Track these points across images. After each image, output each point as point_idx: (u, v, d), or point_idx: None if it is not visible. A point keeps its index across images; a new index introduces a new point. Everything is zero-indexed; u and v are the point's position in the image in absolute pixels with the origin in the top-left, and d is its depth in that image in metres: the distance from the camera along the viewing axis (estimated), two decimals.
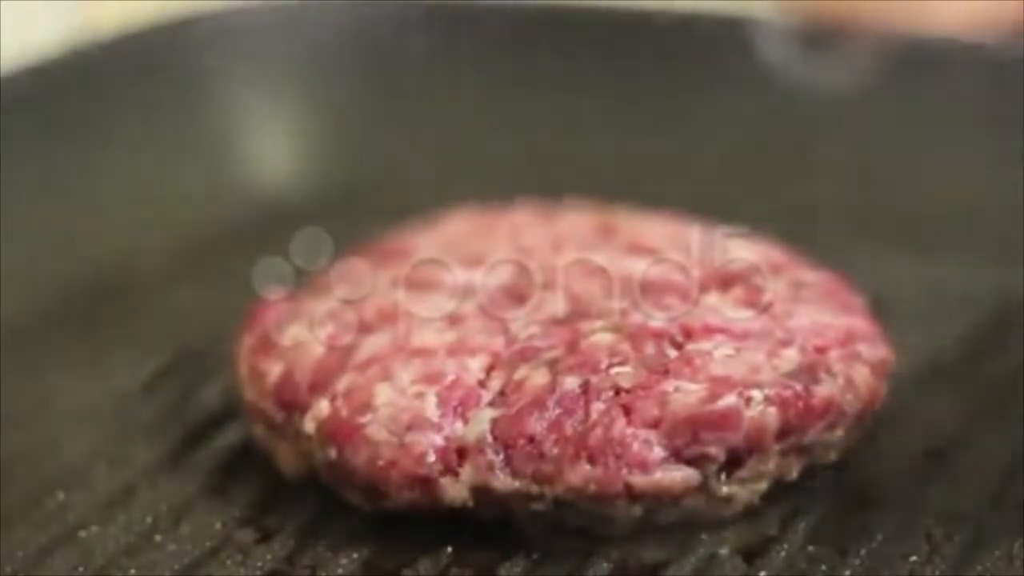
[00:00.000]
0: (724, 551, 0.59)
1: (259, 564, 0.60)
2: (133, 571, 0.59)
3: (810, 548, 0.59)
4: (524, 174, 0.83)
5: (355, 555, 0.60)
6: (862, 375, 0.61)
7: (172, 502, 0.63)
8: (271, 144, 0.90)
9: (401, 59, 0.92)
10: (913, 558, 0.58)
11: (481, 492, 0.58)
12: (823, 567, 0.58)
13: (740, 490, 0.59)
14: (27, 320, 0.75)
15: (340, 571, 0.59)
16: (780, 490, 0.61)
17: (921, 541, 0.59)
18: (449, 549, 0.60)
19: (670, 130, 0.85)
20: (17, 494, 0.64)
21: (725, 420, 0.58)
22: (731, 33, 0.86)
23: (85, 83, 0.87)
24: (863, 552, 0.58)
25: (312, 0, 0.95)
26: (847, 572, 0.58)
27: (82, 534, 0.62)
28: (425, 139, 0.89)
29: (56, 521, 0.62)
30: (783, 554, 0.58)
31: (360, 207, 0.82)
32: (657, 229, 0.69)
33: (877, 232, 0.78)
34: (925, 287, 0.74)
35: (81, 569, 0.60)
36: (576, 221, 0.70)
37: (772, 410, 0.59)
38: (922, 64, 0.84)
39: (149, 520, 0.62)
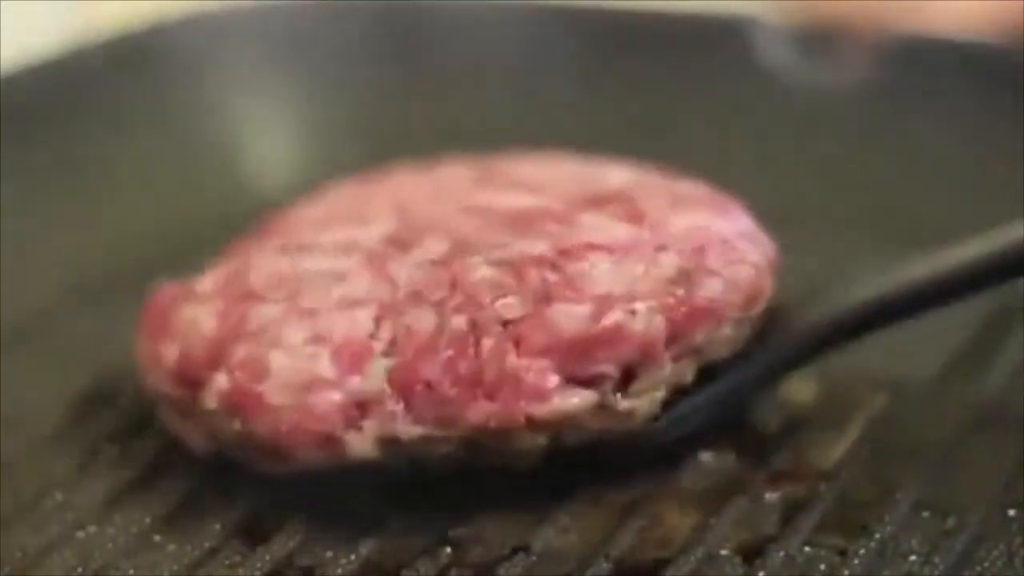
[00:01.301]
0: (724, 551, 0.59)
1: (258, 565, 0.60)
2: (132, 572, 0.59)
3: (810, 548, 0.59)
4: None
5: (355, 555, 0.60)
6: (744, 272, 0.61)
7: (171, 502, 0.63)
8: (270, 144, 0.90)
9: (400, 59, 0.92)
10: (913, 558, 0.58)
11: (386, 443, 0.59)
12: (823, 567, 0.58)
13: (639, 402, 0.60)
14: (26, 319, 0.75)
15: (340, 571, 0.59)
16: (779, 489, 0.61)
17: (921, 541, 0.59)
18: (448, 549, 0.60)
19: (665, 130, 0.85)
20: (16, 494, 0.64)
21: (613, 336, 0.58)
22: (730, 33, 0.86)
23: (85, 83, 0.87)
24: (863, 552, 0.58)
25: (312, 0, 0.95)
26: (847, 572, 0.58)
27: (80, 535, 0.62)
28: (425, 139, 0.89)
29: (55, 521, 0.62)
30: (783, 554, 0.58)
31: None
32: (536, 166, 0.69)
33: (876, 232, 0.77)
34: None
35: (80, 570, 0.60)
36: (456, 171, 0.70)
37: (658, 319, 0.59)
38: (922, 64, 0.84)
39: (148, 521, 0.62)
